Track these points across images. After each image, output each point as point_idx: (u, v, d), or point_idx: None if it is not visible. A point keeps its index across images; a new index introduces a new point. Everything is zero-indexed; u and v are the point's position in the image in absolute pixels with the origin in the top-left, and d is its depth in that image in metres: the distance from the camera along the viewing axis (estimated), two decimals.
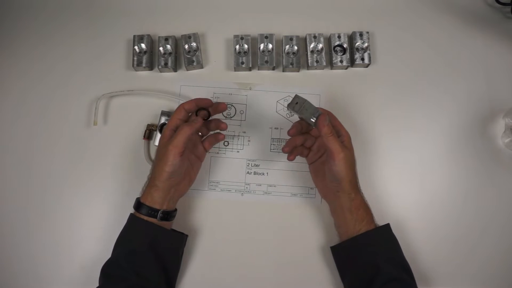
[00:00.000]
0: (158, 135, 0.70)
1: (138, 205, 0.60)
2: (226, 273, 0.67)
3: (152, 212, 0.59)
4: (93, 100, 0.73)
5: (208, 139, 0.66)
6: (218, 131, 0.66)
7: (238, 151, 0.72)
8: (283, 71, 0.75)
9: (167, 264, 0.61)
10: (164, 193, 0.60)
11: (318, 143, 0.66)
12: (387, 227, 0.62)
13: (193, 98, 0.63)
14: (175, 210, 0.64)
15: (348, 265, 0.62)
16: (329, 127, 0.58)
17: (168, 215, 0.61)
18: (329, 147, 0.59)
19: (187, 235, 0.65)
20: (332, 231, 0.67)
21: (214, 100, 0.74)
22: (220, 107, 0.64)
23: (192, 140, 0.64)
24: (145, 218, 0.59)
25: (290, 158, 0.66)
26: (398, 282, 0.57)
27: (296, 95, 0.61)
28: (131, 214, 0.61)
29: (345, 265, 0.63)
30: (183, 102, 0.72)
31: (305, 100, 0.60)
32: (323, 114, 0.59)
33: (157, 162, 0.60)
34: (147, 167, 0.70)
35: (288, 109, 0.62)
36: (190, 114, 0.63)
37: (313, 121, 0.60)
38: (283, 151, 0.65)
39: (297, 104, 0.60)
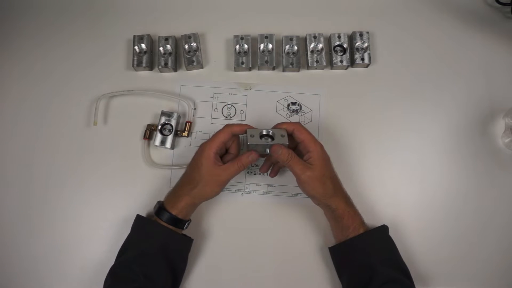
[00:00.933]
0: (158, 135, 0.70)
1: (160, 211, 0.60)
2: (225, 273, 0.67)
3: (178, 222, 0.60)
4: (93, 100, 0.73)
5: None
6: None
7: None
8: (283, 71, 0.75)
9: (175, 268, 0.61)
10: (195, 208, 0.63)
11: (297, 152, 0.65)
12: (383, 228, 0.63)
13: (243, 123, 0.66)
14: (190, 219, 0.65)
15: (345, 266, 0.62)
16: (284, 155, 0.60)
17: (189, 224, 0.63)
18: (292, 171, 0.60)
19: (192, 239, 0.65)
20: (331, 231, 0.67)
21: (214, 101, 0.74)
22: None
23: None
24: (162, 223, 0.60)
25: (272, 175, 0.70)
26: (394, 283, 0.57)
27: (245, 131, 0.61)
28: (140, 216, 0.62)
29: (343, 265, 0.63)
30: (183, 101, 0.73)
31: (250, 144, 0.60)
32: (273, 146, 0.60)
33: (203, 186, 0.60)
34: (146, 167, 0.71)
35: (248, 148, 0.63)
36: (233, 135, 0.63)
37: (268, 152, 0.62)
38: (260, 171, 0.69)
39: (247, 145, 0.61)
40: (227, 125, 0.62)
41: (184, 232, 0.64)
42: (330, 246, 0.64)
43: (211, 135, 0.71)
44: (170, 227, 0.60)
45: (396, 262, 0.60)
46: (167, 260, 0.59)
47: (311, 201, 0.64)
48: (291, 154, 0.60)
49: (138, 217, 0.63)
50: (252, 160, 0.61)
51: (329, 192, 0.60)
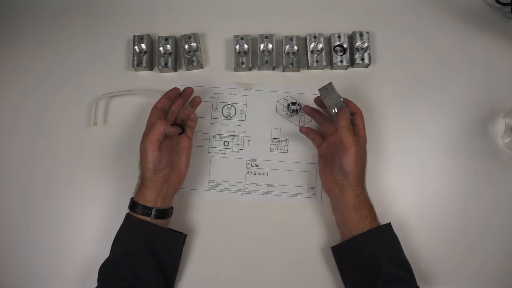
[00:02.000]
0: None
1: (133, 204, 0.61)
2: (226, 273, 0.67)
3: (147, 210, 0.60)
4: (93, 100, 0.73)
5: (188, 126, 0.66)
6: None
7: (238, 151, 0.72)
8: (283, 71, 0.75)
9: (165, 264, 0.61)
10: (156, 190, 0.61)
11: (334, 137, 0.66)
12: (388, 226, 0.63)
13: (164, 94, 0.67)
14: (171, 208, 0.64)
15: (349, 265, 0.62)
16: (347, 122, 0.61)
17: (163, 213, 0.61)
18: (343, 140, 0.60)
19: (185, 235, 0.65)
20: (332, 231, 0.67)
21: (214, 101, 0.74)
22: (194, 101, 0.67)
23: (172, 132, 0.63)
24: (141, 217, 0.60)
25: (303, 130, 0.69)
26: (400, 281, 0.57)
27: (330, 82, 0.63)
28: (127, 214, 0.62)
29: (346, 265, 0.63)
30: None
31: (334, 91, 0.62)
32: (345, 108, 0.62)
33: (140, 161, 0.62)
34: None
35: (319, 91, 0.64)
36: (166, 110, 0.66)
37: (334, 112, 0.63)
38: (300, 130, 0.69)
39: (326, 90, 0.63)
40: (153, 107, 0.66)
41: (183, 231, 0.64)
42: (332, 246, 0.64)
43: (211, 135, 0.72)
44: (146, 218, 0.60)
45: (401, 260, 0.60)
46: (153, 256, 0.59)
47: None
48: (350, 125, 0.61)
49: (126, 215, 0.62)
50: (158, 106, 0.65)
51: (361, 177, 0.62)
